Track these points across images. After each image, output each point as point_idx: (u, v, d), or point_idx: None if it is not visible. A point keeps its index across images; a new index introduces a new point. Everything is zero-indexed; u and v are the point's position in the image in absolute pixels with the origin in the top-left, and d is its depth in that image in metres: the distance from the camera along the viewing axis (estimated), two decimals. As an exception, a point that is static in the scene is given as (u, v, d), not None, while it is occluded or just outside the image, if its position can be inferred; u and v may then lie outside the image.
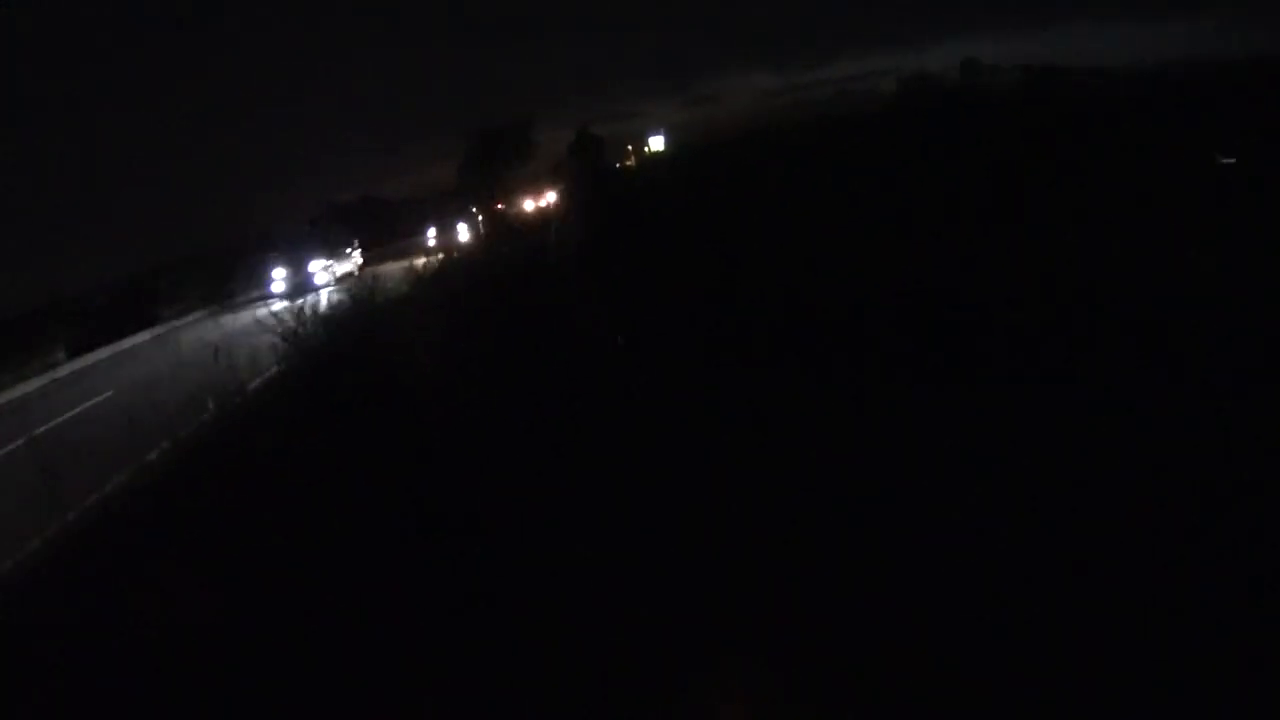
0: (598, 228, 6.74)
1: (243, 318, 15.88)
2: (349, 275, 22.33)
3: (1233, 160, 9.78)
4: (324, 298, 14.06)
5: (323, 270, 23.45)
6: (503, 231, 19.58)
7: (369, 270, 19.66)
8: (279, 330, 8.02)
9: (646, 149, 29.04)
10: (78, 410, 11.83)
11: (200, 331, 18.56)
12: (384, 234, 34.41)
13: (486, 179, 27.22)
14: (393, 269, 16.44)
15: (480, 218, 24.70)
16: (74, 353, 20.77)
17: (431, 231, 28.93)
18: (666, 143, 29.68)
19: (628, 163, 25.85)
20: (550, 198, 26.27)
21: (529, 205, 27.26)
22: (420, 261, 15.45)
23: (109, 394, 12.59)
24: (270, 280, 24.21)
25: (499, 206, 26.90)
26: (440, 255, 17.85)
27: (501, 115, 31.05)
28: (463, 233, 25.58)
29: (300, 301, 10.92)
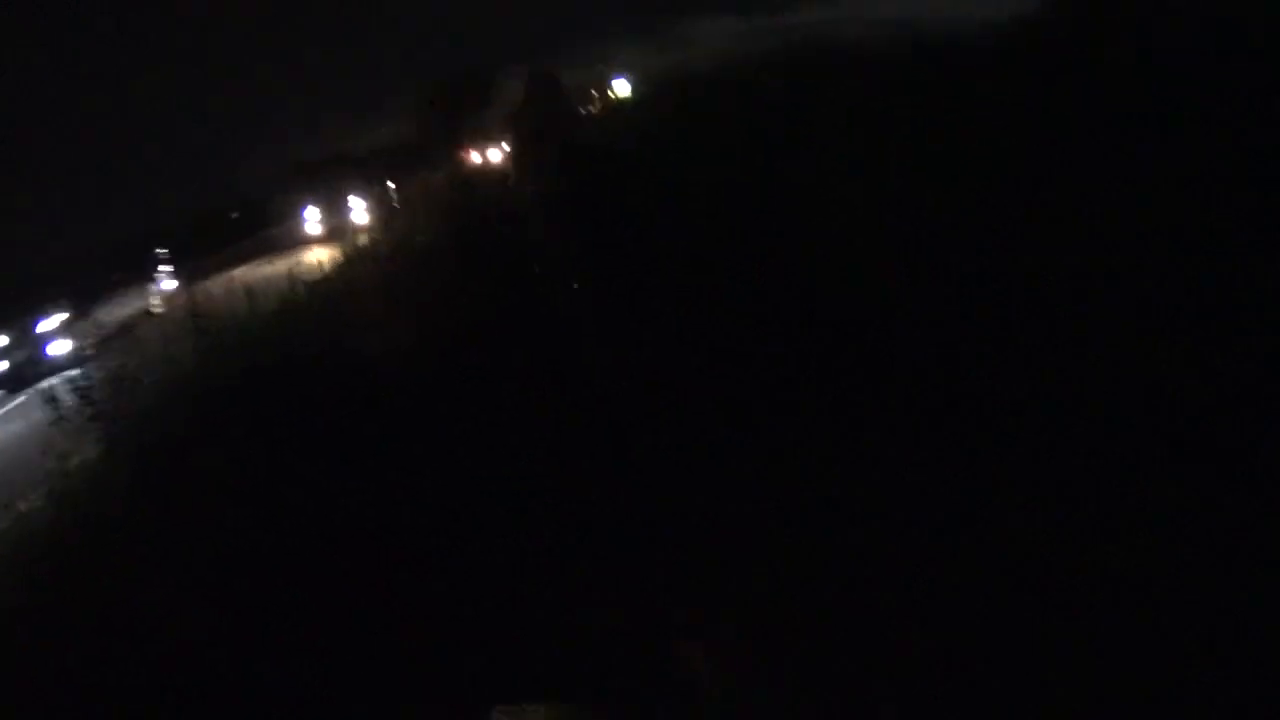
0: (560, 181, 6.02)
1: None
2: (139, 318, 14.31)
3: None
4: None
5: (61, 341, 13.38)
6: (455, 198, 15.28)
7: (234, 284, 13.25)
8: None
9: (611, 94, 27.87)
10: None
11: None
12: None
13: (450, 130, 25.44)
14: (271, 274, 12.40)
15: (394, 189, 18.76)
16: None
17: (312, 216, 20.73)
18: (633, 87, 28.44)
19: (592, 109, 24.62)
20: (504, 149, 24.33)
21: (479, 158, 25.42)
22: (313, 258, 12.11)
23: None
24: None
25: (468, 157, 25.21)
26: (328, 251, 13.74)
27: (460, 61, 28.06)
28: (359, 213, 18.76)
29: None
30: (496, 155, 24.67)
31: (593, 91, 28.17)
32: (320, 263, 12.27)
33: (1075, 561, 2.87)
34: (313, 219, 20.68)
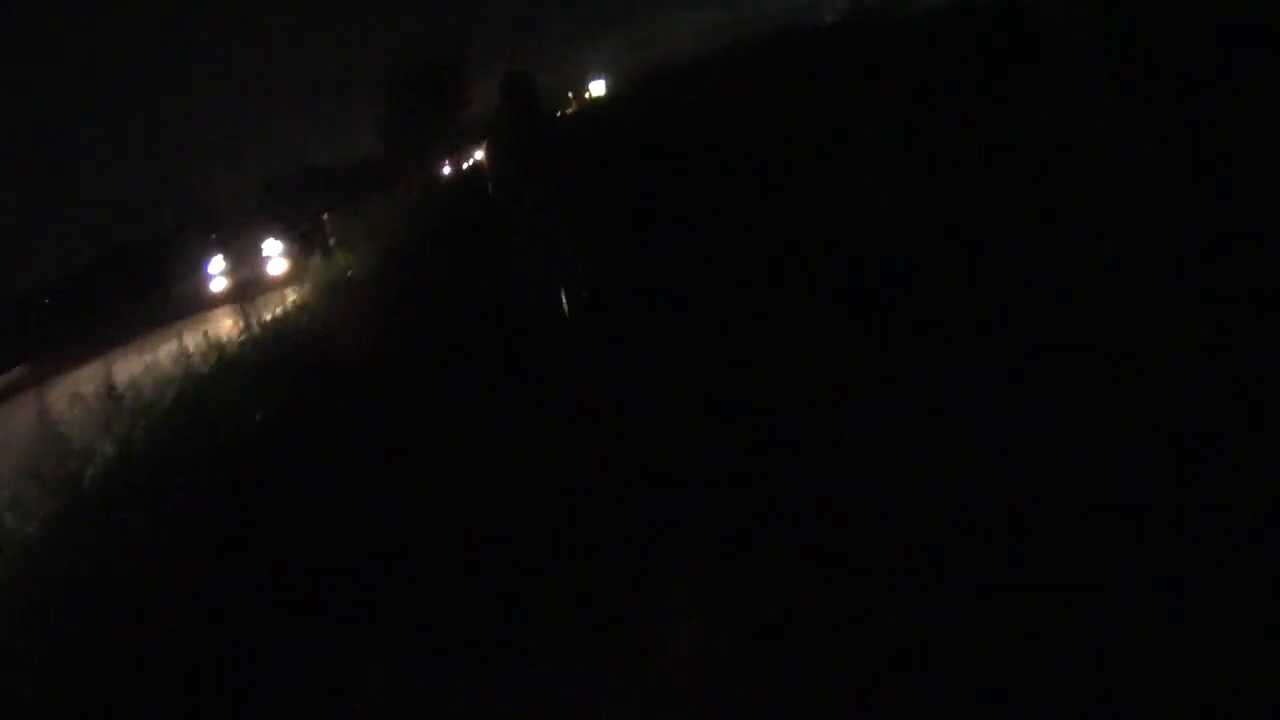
0: (540, 179, 5.91)
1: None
2: None
3: None
4: None
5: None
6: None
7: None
8: None
9: (588, 94, 27.72)
10: None
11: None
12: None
13: (416, 133, 23.56)
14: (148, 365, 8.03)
15: (328, 224, 14.27)
16: None
17: (219, 269, 15.42)
18: (608, 86, 28.23)
19: (569, 110, 24.48)
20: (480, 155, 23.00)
21: (451, 166, 23.99)
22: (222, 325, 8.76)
23: None
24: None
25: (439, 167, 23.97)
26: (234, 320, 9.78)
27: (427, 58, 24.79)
28: (277, 261, 14.12)
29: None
30: (471, 160, 23.95)
31: (569, 93, 27.99)
32: (221, 338, 8.50)
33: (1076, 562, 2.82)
34: (219, 273, 15.80)
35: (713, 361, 4.59)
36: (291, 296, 10.79)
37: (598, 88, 29.44)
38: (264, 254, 15.05)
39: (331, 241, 14.13)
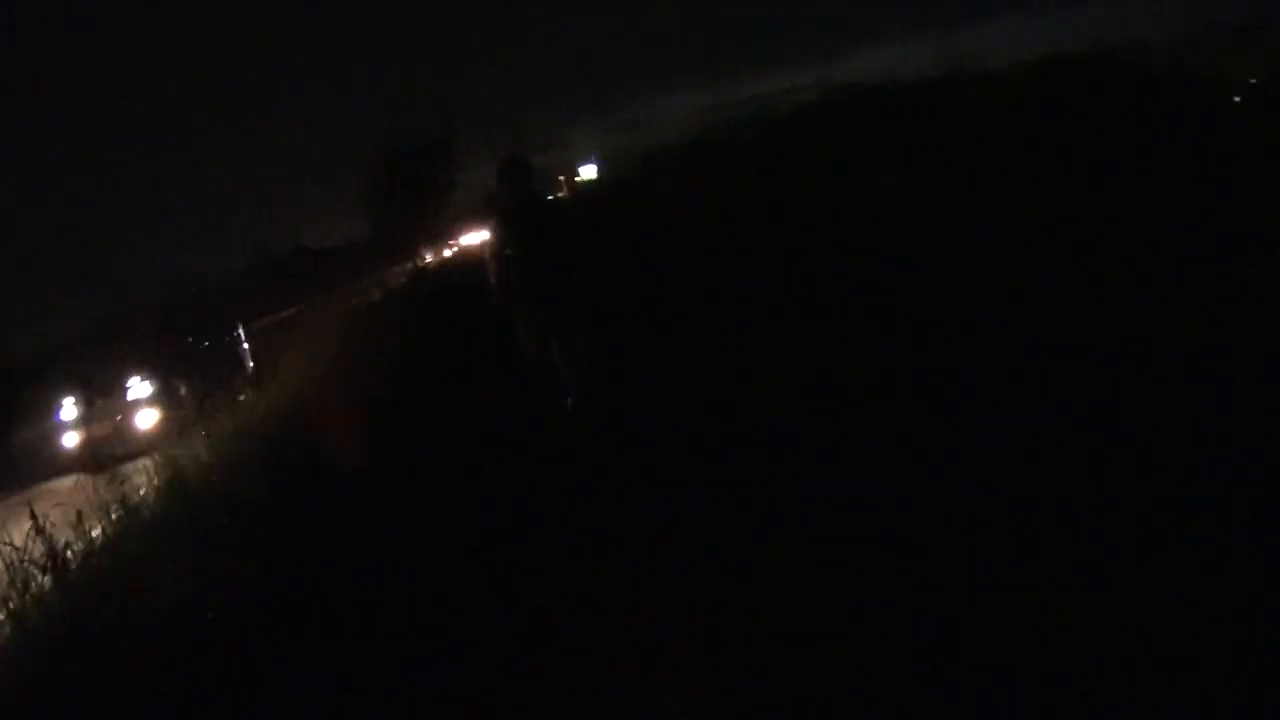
0: (543, 266, 5.61)
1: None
2: None
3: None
4: None
5: None
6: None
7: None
8: None
9: (579, 178, 27.94)
10: None
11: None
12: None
13: (402, 216, 23.00)
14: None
15: (254, 350, 10.34)
16: None
17: (139, 390, 10.99)
18: (600, 170, 28.40)
19: (561, 194, 24.54)
20: (478, 237, 22.41)
21: (438, 250, 23.56)
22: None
23: None
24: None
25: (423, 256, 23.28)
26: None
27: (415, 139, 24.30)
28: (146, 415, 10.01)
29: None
30: (463, 244, 23.53)
31: (559, 177, 28.10)
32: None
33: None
34: (71, 421, 11.11)
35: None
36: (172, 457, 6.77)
37: (589, 171, 29.69)
38: (130, 396, 10.57)
39: (251, 368, 10.10)
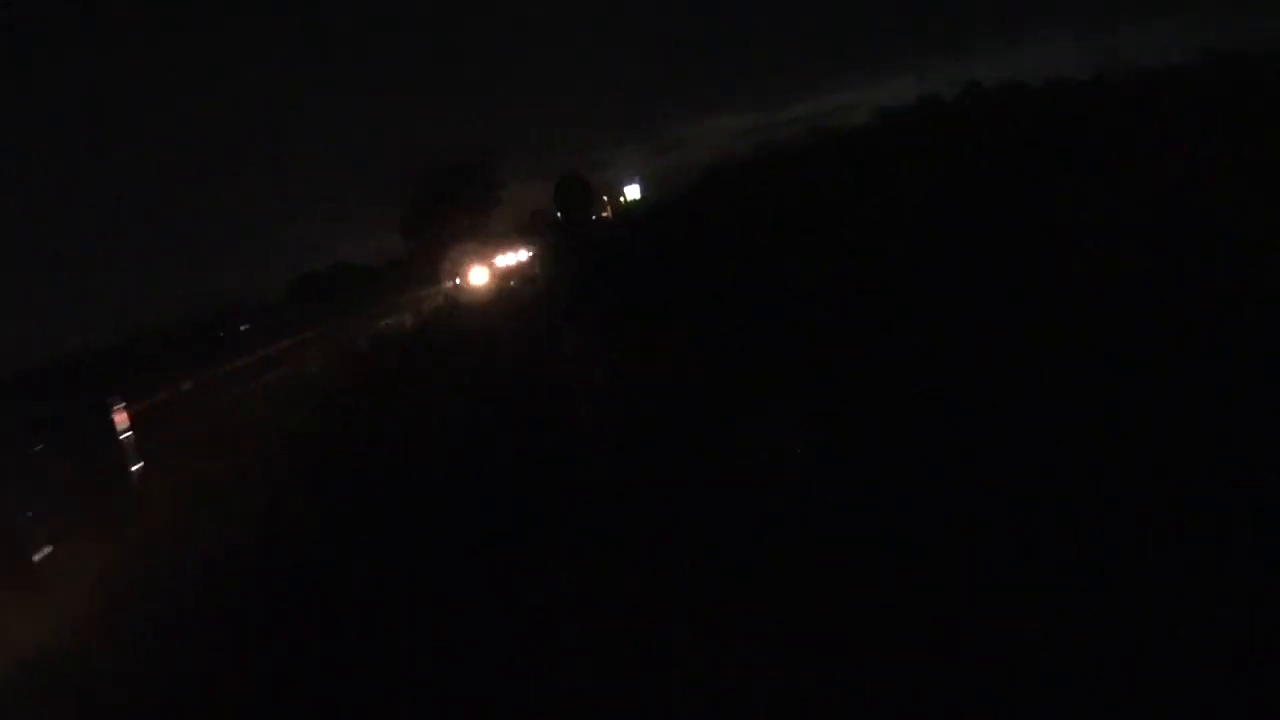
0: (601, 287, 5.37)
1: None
2: None
3: None
4: None
5: None
6: None
7: None
8: None
9: (623, 199, 27.79)
10: None
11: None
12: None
13: (440, 233, 22.22)
14: None
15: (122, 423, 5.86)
16: None
17: None
18: (643, 191, 28.18)
19: (604, 214, 24.35)
20: (520, 256, 20.98)
21: (483, 271, 21.45)
22: None
23: None
24: None
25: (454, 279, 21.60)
26: None
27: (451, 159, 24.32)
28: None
29: None
30: (504, 263, 22.99)
31: (603, 197, 27.88)
32: None
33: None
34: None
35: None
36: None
37: (632, 191, 29.62)
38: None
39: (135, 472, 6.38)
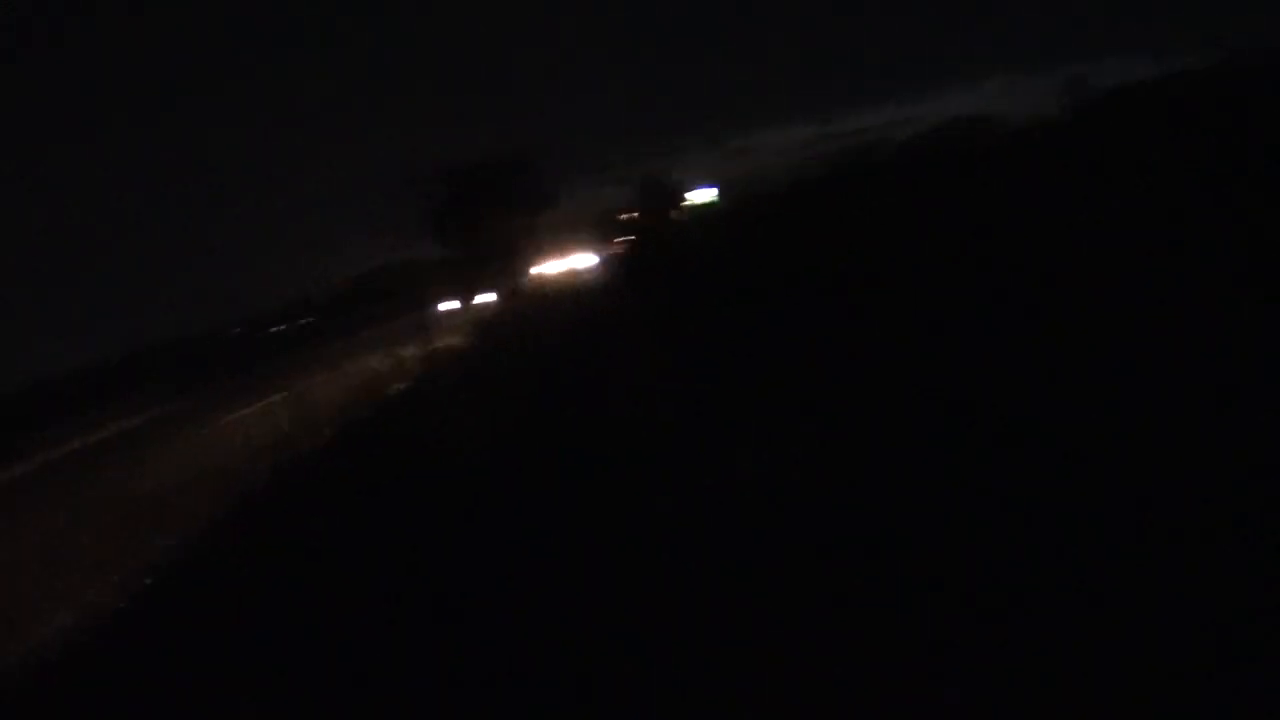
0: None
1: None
2: None
3: None
4: None
5: None
6: None
7: None
8: None
9: (691, 201, 27.40)
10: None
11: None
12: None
13: (470, 236, 20.18)
14: None
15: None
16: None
17: None
18: (720, 194, 27.49)
19: (679, 215, 23.81)
20: (582, 261, 18.98)
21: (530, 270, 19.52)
22: None
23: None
24: None
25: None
26: None
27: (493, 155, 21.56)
28: None
29: None
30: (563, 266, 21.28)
31: (679, 197, 27.45)
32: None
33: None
34: None
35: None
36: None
37: (708, 195, 28.81)
38: None
39: None
